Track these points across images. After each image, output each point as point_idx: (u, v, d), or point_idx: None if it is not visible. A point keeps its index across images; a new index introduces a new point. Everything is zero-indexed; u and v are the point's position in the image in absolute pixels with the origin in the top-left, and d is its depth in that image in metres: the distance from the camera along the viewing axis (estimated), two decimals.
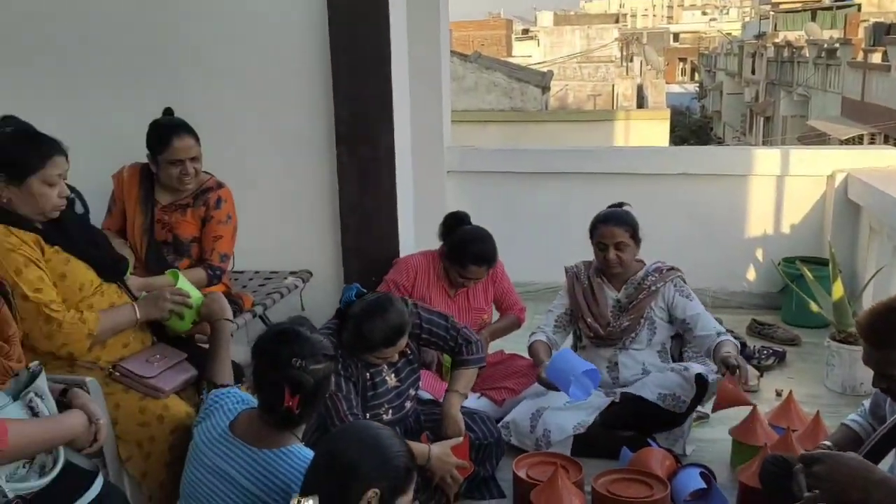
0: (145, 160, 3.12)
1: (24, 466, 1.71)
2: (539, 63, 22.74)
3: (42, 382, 1.78)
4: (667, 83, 39.47)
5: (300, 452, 1.83)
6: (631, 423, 2.99)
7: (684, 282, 3.20)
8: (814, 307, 3.79)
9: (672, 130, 28.14)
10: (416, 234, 4.03)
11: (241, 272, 3.71)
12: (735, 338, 3.95)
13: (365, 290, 2.66)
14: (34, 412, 1.74)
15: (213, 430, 1.94)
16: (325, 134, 3.69)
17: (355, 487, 1.57)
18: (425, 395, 2.95)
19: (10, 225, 2.12)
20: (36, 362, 1.82)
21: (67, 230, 2.28)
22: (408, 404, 2.74)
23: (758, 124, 27.00)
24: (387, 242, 3.82)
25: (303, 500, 1.56)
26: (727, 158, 4.96)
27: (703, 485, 2.52)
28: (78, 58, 3.66)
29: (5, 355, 1.72)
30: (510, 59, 22.84)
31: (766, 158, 4.77)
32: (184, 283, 2.52)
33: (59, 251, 2.21)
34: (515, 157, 5.16)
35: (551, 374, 2.92)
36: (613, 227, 3.10)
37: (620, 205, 3.25)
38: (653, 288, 3.13)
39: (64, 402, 1.85)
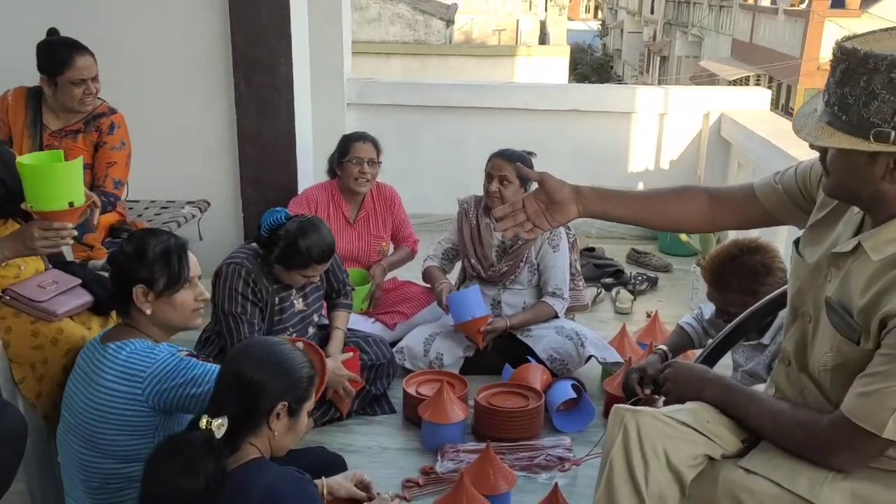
0: (26, 84, 3.04)
1: None
2: None
3: None
4: (571, 20, 39.72)
5: (138, 343, 1.91)
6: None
7: (568, 228, 3.32)
8: (683, 237, 4.12)
9: (574, 68, 28.58)
10: (315, 166, 4.09)
11: (137, 201, 3.69)
12: (613, 266, 4.29)
13: (291, 214, 2.74)
14: None
15: (90, 344, 2.02)
16: (222, 60, 3.67)
17: (264, 403, 1.65)
18: (324, 321, 3.09)
19: None
20: None
21: None
22: (311, 329, 2.87)
23: (654, 64, 27.75)
24: (285, 173, 3.88)
25: (213, 421, 1.59)
26: (613, 96, 5.19)
27: (573, 395, 2.77)
28: None
29: None
30: None
31: (648, 97, 5.03)
32: (69, 170, 2.03)
33: None
34: (414, 91, 5.24)
35: (453, 304, 3.08)
36: (504, 161, 3.14)
37: (529, 153, 3.26)
38: None
39: None
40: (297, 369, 1.70)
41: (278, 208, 2.73)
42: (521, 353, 3.11)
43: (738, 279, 2.31)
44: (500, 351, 3.16)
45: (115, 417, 1.87)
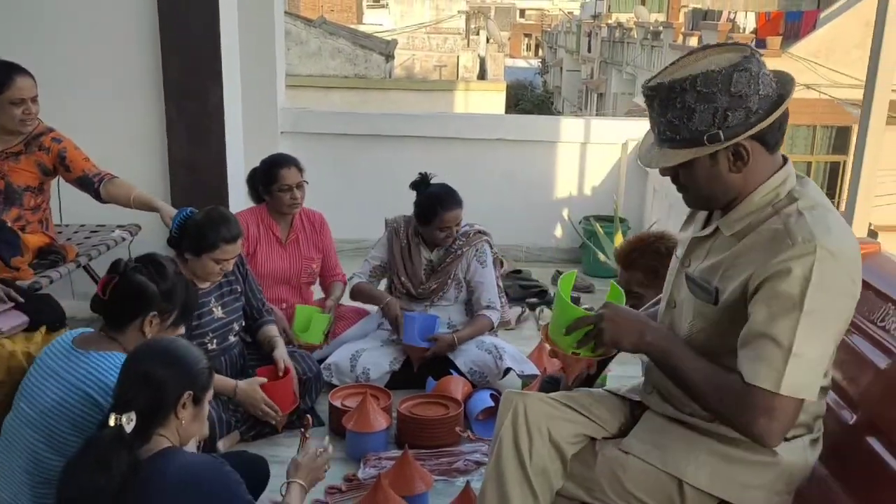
0: None
1: None
2: (386, 32, 22.82)
3: None
4: (512, 58, 40.57)
5: (120, 357, 1.99)
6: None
7: (491, 246, 3.49)
8: (602, 257, 4.34)
9: (516, 104, 29.17)
10: (247, 192, 4.17)
11: (67, 225, 3.72)
12: (537, 286, 4.47)
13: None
14: None
15: (57, 344, 2.10)
16: (153, 86, 3.74)
17: (171, 395, 1.76)
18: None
19: None
20: None
21: None
22: (231, 338, 2.96)
23: (592, 100, 28.57)
24: (216, 199, 3.91)
25: (123, 417, 1.68)
26: (539, 127, 5.43)
27: (491, 404, 2.90)
28: None
29: None
30: (361, 27, 22.75)
31: (570, 127, 5.28)
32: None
33: None
34: (347, 120, 5.38)
35: (407, 323, 3.22)
36: (459, 209, 3.32)
37: (424, 176, 3.42)
38: (459, 252, 3.40)
39: None
40: (196, 361, 1.84)
41: (187, 207, 2.84)
42: (443, 367, 3.23)
43: (644, 256, 2.51)
44: (424, 365, 3.28)
45: (80, 420, 1.95)
